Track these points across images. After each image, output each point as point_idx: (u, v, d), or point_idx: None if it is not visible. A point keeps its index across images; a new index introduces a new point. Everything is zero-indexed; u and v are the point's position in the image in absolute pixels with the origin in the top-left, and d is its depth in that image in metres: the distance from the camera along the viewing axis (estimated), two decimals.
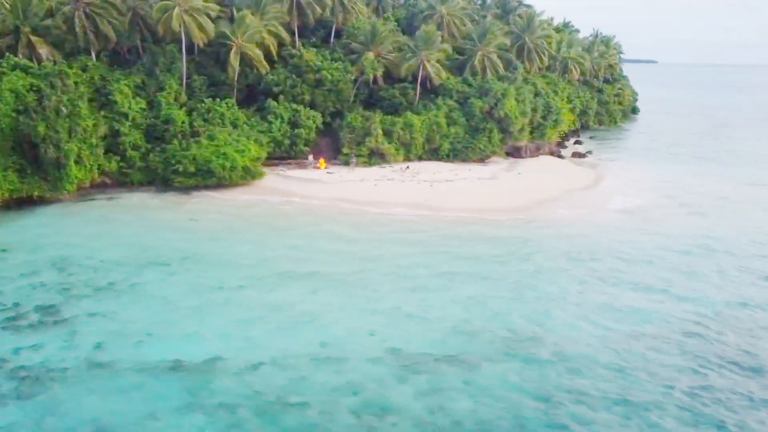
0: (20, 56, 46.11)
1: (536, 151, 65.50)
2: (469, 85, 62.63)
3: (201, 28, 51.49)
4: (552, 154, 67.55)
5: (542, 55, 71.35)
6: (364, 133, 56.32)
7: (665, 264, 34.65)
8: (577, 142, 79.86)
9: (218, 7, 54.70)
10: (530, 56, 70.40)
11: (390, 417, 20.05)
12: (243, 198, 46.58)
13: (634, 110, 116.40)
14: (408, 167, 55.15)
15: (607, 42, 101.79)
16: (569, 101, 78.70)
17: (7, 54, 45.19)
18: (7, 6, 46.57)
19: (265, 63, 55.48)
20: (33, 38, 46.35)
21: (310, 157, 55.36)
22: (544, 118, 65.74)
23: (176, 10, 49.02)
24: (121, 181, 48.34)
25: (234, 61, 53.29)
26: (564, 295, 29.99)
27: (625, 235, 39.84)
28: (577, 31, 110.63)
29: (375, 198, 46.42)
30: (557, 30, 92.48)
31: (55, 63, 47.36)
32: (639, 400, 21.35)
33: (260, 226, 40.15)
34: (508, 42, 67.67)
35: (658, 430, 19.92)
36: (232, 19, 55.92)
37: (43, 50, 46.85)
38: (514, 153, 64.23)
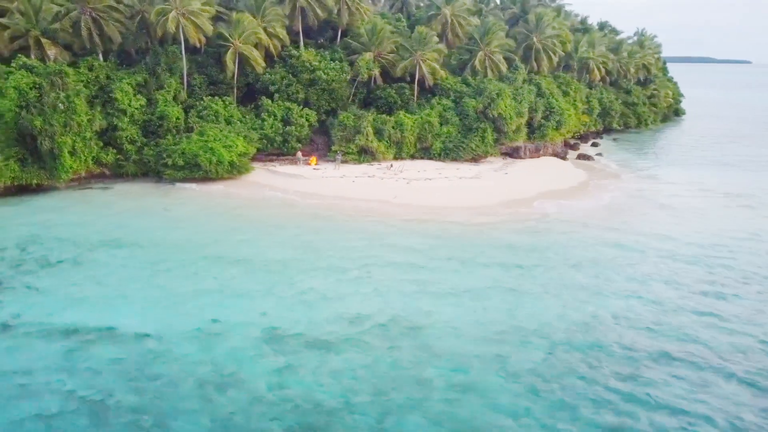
0: (32, 57, 50.87)
1: (536, 152, 64.86)
2: (468, 85, 63.06)
3: (197, 30, 54.73)
4: (556, 155, 66.64)
5: (552, 55, 70.38)
6: (355, 131, 57.87)
7: (554, 260, 34.50)
8: (594, 144, 78.28)
9: (215, 10, 57.74)
10: (538, 56, 69.68)
11: (230, 390, 21.65)
12: (221, 189, 49.34)
13: (678, 112, 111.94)
14: (392, 165, 56.31)
15: (641, 42, 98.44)
16: (586, 102, 77.08)
17: (18, 55, 49.94)
18: (21, 9, 51.38)
19: (261, 63, 58.11)
20: (43, 40, 50.99)
21: (299, 153, 57.56)
22: (545, 118, 65.06)
23: (172, 14, 52.43)
24: (119, 173, 52.26)
25: (229, 61, 56.29)
26: (461, 288, 30.47)
27: (558, 233, 39.60)
28: (618, 32, 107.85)
29: (344, 193, 47.98)
30: (585, 30, 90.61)
31: (64, 63, 52.03)
32: (475, 381, 21.95)
33: (220, 215, 42.58)
34: (512, 42, 67.48)
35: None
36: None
37: (52, 51, 51.38)
38: (513, 153, 63.95)
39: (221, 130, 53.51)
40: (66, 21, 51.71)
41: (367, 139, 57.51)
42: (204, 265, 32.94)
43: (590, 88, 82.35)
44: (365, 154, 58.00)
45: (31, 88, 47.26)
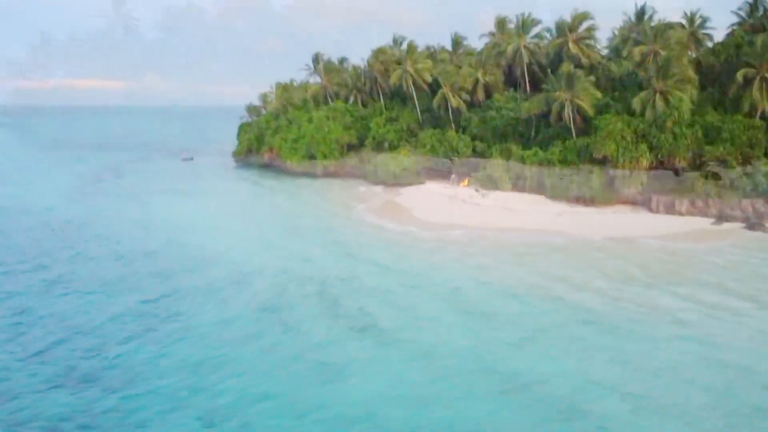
0: (350, 102, 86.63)
1: (671, 207, 53.09)
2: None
3: (419, 80, 76.89)
4: (723, 217, 51.39)
5: None
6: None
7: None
8: None
9: (431, 65, 77.22)
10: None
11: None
12: (372, 189, 72.37)
13: None
14: (478, 190, 63.32)
15: None
16: None
17: (331, 102, 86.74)
18: (344, 77, 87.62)
19: (462, 104, 74.01)
20: (354, 91, 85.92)
21: (453, 175, 71.22)
22: (698, 167, 52.19)
23: (399, 71, 77.15)
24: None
25: (436, 102, 75.48)
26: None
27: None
28: None
29: (412, 208, 62.11)
30: None
31: (363, 104, 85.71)
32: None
33: (325, 199, 67.73)
34: (694, 75, 55.50)
35: None
36: None
37: (356, 97, 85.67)
38: (648, 203, 55.08)
39: (407, 151, 74.89)
40: (363, 80, 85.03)
41: (493, 169, 65.61)
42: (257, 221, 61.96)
43: None
44: (490, 182, 65.98)
45: (326, 118, 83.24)
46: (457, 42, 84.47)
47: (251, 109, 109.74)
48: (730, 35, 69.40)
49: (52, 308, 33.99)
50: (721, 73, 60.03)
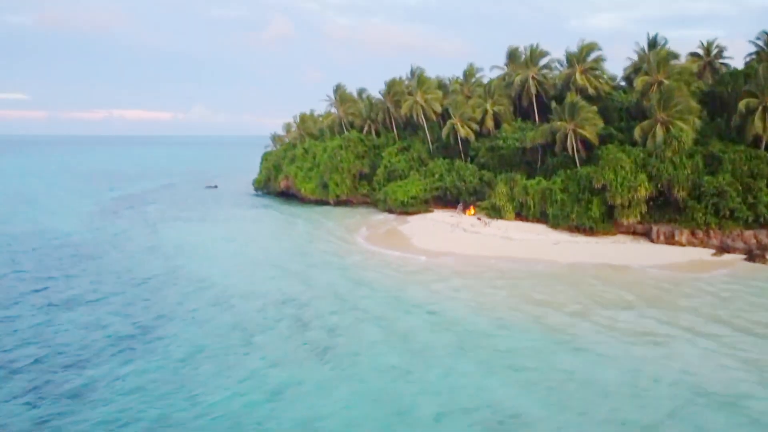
0: (364, 132, 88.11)
1: (671, 237, 52.28)
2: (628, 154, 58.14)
3: (429, 111, 78.02)
4: (722, 248, 50.45)
5: None
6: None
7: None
8: None
9: (441, 96, 78.27)
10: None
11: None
12: (378, 218, 73.16)
13: None
14: (480, 218, 63.31)
15: None
16: None
17: (346, 132, 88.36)
18: (361, 107, 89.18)
19: (471, 133, 74.64)
20: (368, 122, 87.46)
21: (460, 204, 71.48)
22: (696, 199, 51.24)
23: (409, 102, 78.51)
24: (369, 200, 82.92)
25: (445, 131, 76.36)
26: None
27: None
28: None
29: (409, 236, 62.70)
30: None
31: (377, 134, 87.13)
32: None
33: (335, 227, 68.86)
34: (697, 107, 54.84)
35: None
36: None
37: (370, 126, 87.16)
38: (648, 233, 54.36)
39: (418, 180, 75.68)
40: (376, 111, 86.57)
41: (497, 198, 65.70)
42: (249, 239, 63.63)
43: None
44: (494, 211, 66.03)
45: (340, 147, 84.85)
46: (469, 73, 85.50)
47: (275, 139, 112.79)
48: (748, 65, 68.65)
49: (41, 327, 35.62)
50: (728, 102, 59.33)
